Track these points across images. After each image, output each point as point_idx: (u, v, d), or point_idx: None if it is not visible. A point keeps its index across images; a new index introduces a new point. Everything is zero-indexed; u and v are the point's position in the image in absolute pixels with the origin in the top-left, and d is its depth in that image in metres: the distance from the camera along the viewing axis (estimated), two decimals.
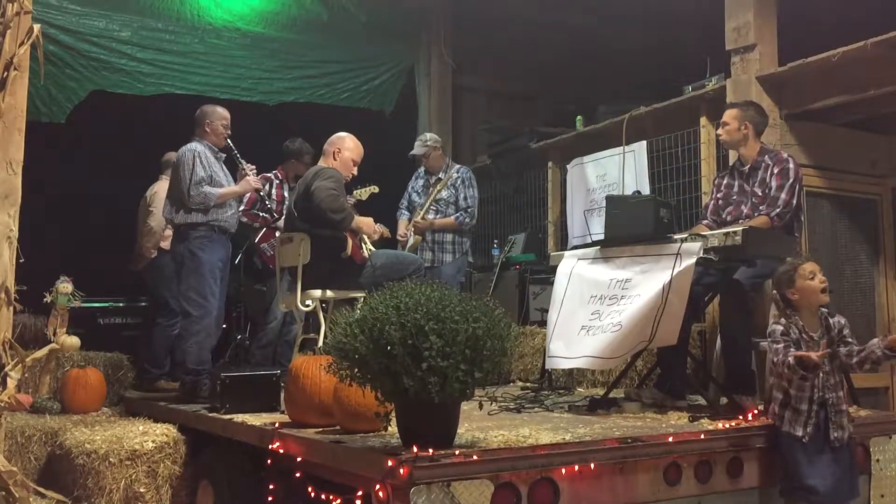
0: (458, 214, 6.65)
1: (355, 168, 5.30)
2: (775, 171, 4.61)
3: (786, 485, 3.71)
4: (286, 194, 6.51)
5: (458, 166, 6.93)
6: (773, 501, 3.78)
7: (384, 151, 6.87)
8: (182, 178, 5.45)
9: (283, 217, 6.40)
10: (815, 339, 3.76)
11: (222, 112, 5.74)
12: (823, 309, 3.88)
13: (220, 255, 5.54)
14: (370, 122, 7.95)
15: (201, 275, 5.38)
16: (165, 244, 6.39)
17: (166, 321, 6.24)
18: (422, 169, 6.91)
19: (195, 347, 5.29)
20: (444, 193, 6.68)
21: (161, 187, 6.53)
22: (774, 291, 3.88)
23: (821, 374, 3.69)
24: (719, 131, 4.88)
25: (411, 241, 6.64)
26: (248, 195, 6.22)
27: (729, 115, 4.82)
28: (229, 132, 5.72)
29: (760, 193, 4.66)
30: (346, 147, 5.24)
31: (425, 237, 6.67)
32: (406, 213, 6.89)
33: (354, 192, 5.80)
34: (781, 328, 3.75)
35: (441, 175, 6.74)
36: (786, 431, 3.69)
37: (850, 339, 3.85)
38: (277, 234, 6.37)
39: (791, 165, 4.62)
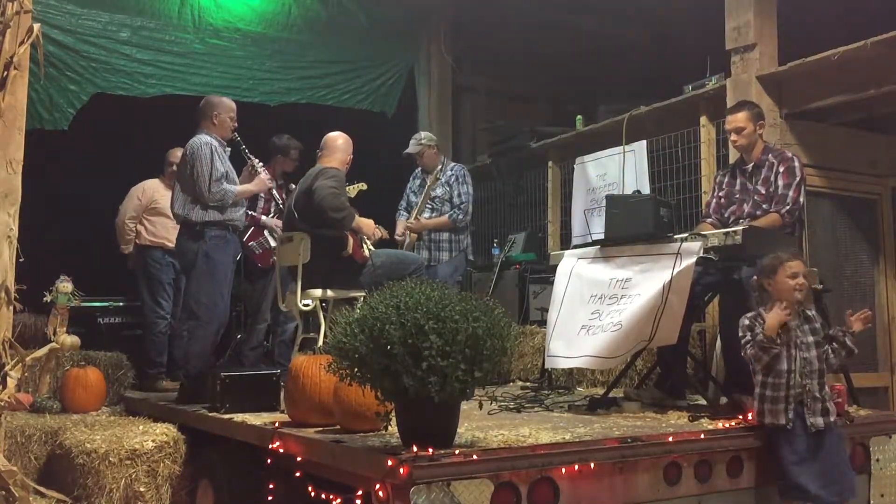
0: (451, 212, 6.65)
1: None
2: (781, 169, 4.60)
3: (781, 484, 3.71)
4: (274, 192, 6.51)
5: (452, 164, 6.95)
6: (774, 501, 3.78)
7: (384, 152, 6.89)
8: (199, 173, 5.19)
9: (271, 216, 6.42)
10: (790, 325, 3.74)
11: (229, 103, 5.53)
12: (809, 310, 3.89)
13: (232, 256, 5.48)
14: (371, 123, 7.96)
15: (215, 279, 5.22)
16: (139, 240, 6.42)
17: (148, 320, 6.29)
18: (418, 169, 6.92)
19: (199, 352, 5.22)
20: (438, 191, 6.67)
21: (138, 185, 6.56)
22: (755, 277, 3.89)
23: (798, 361, 3.69)
24: (734, 137, 4.76)
25: (407, 240, 6.65)
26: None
27: (741, 118, 4.73)
28: (236, 125, 5.54)
29: (763, 192, 4.65)
30: (348, 149, 5.28)
31: (421, 236, 6.67)
32: (405, 213, 6.88)
33: None
34: (748, 322, 3.76)
35: (436, 173, 6.75)
36: (769, 423, 3.69)
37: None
38: (265, 232, 6.39)
39: (797, 164, 4.63)
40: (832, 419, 3.73)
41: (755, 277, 3.89)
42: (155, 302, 6.25)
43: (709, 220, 4.91)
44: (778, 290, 3.76)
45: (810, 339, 3.76)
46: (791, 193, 4.53)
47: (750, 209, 4.69)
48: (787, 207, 4.52)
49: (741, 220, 4.64)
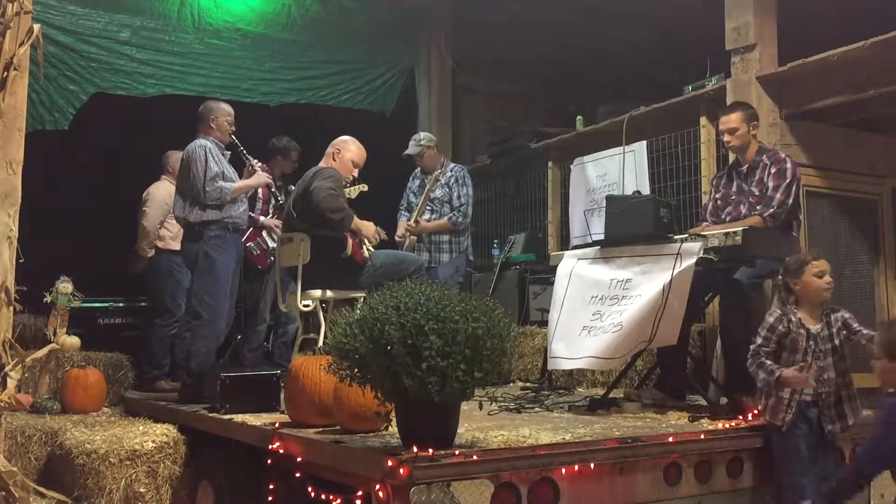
0: (451, 214, 6.64)
1: (356, 171, 5.30)
2: (773, 170, 4.59)
3: (776, 484, 3.72)
4: (274, 191, 6.51)
5: (452, 165, 6.93)
6: (773, 502, 3.78)
7: (384, 152, 6.87)
8: (195, 174, 5.36)
9: (269, 216, 6.41)
10: (811, 333, 3.75)
11: (227, 108, 5.69)
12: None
13: (234, 256, 5.52)
14: (371, 123, 7.94)
15: (215, 277, 5.32)
16: (162, 244, 6.40)
17: (163, 321, 6.25)
18: (418, 169, 6.91)
19: (203, 350, 5.24)
20: (438, 192, 6.66)
21: (159, 187, 6.53)
22: (780, 277, 3.87)
23: (813, 369, 3.70)
24: (727, 138, 4.76)
25: (407, 241, 6.64)
26: (261, 190, 6.25)
27: (734, 119, 4.72)
28: (234, 128, 5.67)
29: (758, 193, 4.64)
30: (346, 149, 5.26)
31: (421, 237, 6.66)
32: (406, 214, 6.88)
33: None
34: (772, 320, 3.76)
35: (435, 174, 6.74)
36: (768, 421, 3.71)
37: (857, 328, 3.80)
38: (264, 233, 6.39)
39: (788, 165, 4.61)
40: (850, 423, 3.76)
41: (779, 277, 3.87)
42: (174, 304, 6.22)
43: (705, 223, 4.90)
44: (806, 290, 3.76)
45: (828, 345, 3.76)
46: (778, 196, 4.51)
47: (746, 211, 4.68)
48: (771, 210, 4.50)
49: (737, 222, 4.63)
